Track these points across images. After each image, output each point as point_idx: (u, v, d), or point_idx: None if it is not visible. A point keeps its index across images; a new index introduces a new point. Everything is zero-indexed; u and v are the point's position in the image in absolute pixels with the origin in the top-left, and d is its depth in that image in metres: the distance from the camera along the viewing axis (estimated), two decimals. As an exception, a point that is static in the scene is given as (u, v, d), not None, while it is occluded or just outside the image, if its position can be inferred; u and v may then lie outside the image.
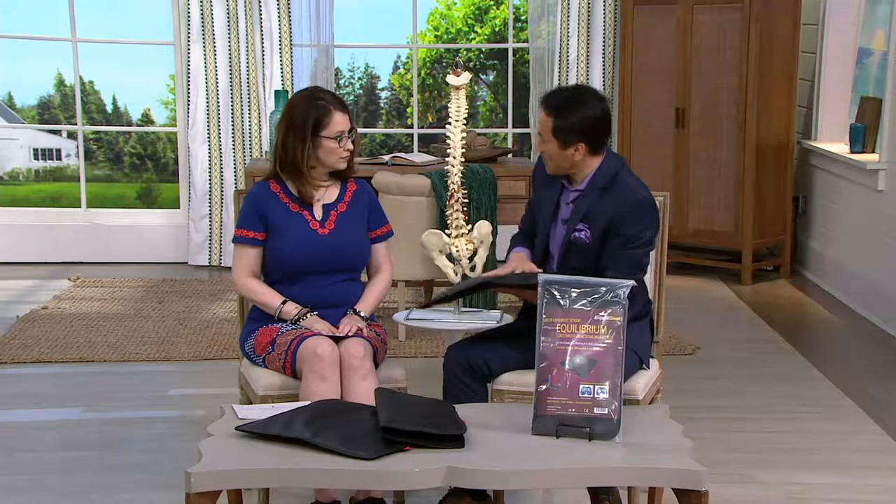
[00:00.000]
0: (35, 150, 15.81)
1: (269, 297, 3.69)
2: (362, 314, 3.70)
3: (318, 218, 3.72)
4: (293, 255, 3.67)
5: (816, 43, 7.26)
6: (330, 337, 3.57)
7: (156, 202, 14.62)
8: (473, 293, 3.99)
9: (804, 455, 4.32)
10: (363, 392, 3.45)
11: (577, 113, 3.52)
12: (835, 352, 5.89)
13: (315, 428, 2.91)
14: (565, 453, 2.88)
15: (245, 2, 7.38)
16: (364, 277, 3.85)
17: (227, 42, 7.43)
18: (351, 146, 3.71)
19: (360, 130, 3.64)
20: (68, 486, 4.01)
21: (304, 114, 3.65)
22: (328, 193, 3.76)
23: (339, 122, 3.66)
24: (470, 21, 16.16)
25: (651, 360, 3.72)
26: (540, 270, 3.56)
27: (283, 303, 3.67)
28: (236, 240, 3.74)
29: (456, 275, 4.07)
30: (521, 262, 3.65)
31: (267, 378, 3.61)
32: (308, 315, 3.65)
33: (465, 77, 4.06)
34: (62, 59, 13.90)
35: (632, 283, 3.03)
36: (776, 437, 4.52)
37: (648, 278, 3.75)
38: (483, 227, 4.08)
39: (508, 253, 3.78)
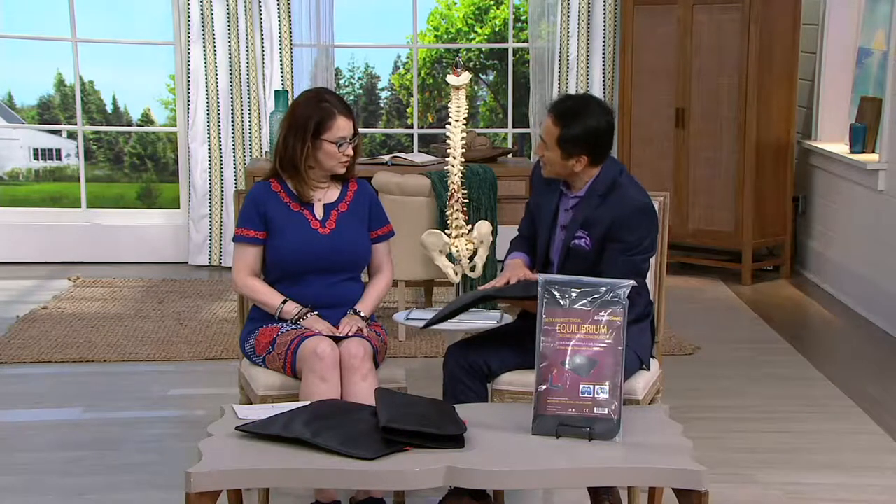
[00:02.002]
0: (35, 150, 15.80)
1: (270, 297, 3.69)
2: (362, 314, 3.70)
3: (319, 217, 3.71)
4: (293, 255, 3.67)
5: (816, 43, 7.26)
6: (330, 337, 3.57)
7: (156, 202, 14.61)
8: (473, 307, 3.95)
9: (804, 455, 4.32)
10: (363, 392, 3.45)
11: (585, 125, 3.48)
12: (835, 352, 5.89)
13: (315, 428, 2.90)
14: (565, 453, 2.88)
15: (245, 2, 7.38)
16: (364, 277, 3.84)
17: (227, 42, 7.42)
18: (351, 152, 3.69)
19: (360, 130, 3.62)
20: (68, 486, 4.01)
21: (306, 114, 3.65)
22: (329, 193, 3.76)
23: (342, 126, 3.65)
24: (470, 21, 16.15)
25: (651, 360, 3.71)
26: (537, 279, 3.55)
27: (284, 302, 3.67)
28: (236, 239, 3.74)
29: (456, 275, 4.06)
30: (516, 269, 3.62)
31: (267, 378, 3.61)
32: (308, 315, 3.65)
33: (465, 77, 4.06)
34: (62, 59, 13.88)
35: (632, 283, 3.03)
36: (776, 437, 4.52)
37: (649, 279, 3.75)
38: (483, 227, 4.07)
39: (506, 258, 3.77)
